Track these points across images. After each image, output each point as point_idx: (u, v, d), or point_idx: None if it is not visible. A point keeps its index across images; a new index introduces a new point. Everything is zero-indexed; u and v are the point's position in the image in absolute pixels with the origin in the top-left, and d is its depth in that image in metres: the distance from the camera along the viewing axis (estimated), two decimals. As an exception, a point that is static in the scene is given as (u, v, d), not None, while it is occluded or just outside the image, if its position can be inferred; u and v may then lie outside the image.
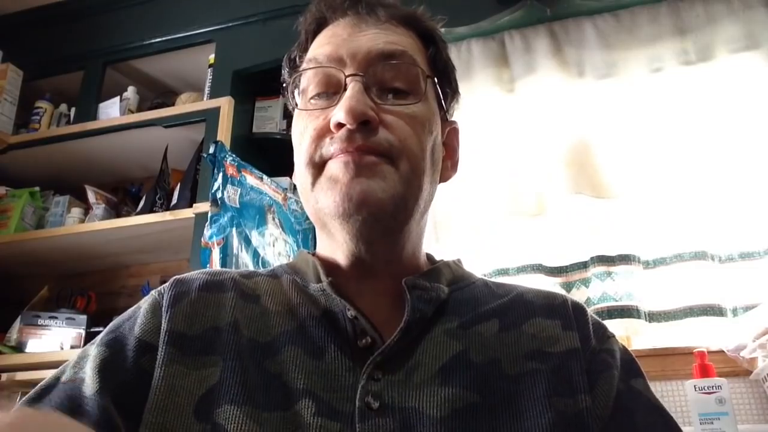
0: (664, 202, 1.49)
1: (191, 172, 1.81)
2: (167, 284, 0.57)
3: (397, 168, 0.53)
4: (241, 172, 1.60)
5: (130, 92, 2.04)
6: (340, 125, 0.53)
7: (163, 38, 2.03)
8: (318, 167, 0.54)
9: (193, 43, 2.01)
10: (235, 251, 1.49)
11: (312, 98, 0.58)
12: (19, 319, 1.75)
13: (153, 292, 0.57)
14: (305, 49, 0.61)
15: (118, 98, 2.01)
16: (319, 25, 0.62)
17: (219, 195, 1.52)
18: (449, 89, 0.64)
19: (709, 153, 1.46)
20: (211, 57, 1.95)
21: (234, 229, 1.51)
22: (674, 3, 1.62)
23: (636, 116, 1.54)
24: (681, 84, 1.54)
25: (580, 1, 1.66)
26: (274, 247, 1.62)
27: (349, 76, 0.55)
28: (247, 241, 1.54)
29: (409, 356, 0.51)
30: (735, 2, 1.56)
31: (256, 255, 1.54)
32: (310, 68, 0.58)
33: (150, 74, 2.15)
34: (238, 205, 1.55)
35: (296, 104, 0.59)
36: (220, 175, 1.55)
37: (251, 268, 1.50)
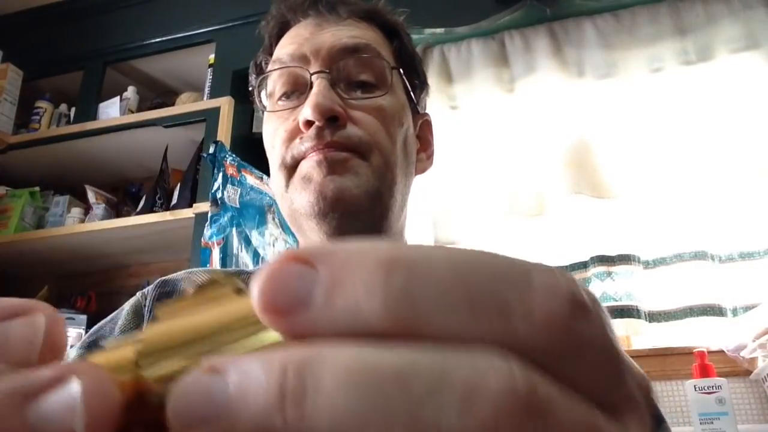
0: (664, 202, 1.49)
1: (191, 172, 1.81)
2: (151, 285, 0.57)
3: (369, 162, 0.53)
4: (241, 172, 1.60)
5: (130, 92, 2.04)
6: (308, 123, 0.53)
7: (163, 38, 2.03)
8: (290, 169, 0.54)
9: (193, 43, 2.01)
10: (235, 251, 1.49)
11: (279, 99, 0.58)
12: (19, 319, 1.75)
13: (137, 294, 0.57)
14: (270, 53, 0.62)
15: (118, 98, 2.01)
16: (282, 28, 0.62)
17: (219, 195, 1.52)
18: (417, 81, 0.64)
19: (709, 153, 1.46)
20: (211, 57, 1.95)
21: (234, 229, 1.51)
22: (674, 3, 1.62)
23: (636, 116, 1.54)
24: (681, 84, 1.54)
25: (580, 1, 1.66)
26: (275, 247, 1.62)
27: (314, 73, 0.55)
28: (247, 241, 1.54)
29: None
30: (735, 2, 1.56)
31: (256, 255, 1.54)
32: (275, 69, 0.58)
33: (150, 74, 2.15)
34: (238, 205, 1.55)
35: (264, 107, 0.60)
36: (220, 175, 1.55)
37: (251, 268, 1.50)
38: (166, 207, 1.79)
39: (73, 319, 1.75)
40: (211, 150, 1.57)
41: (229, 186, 1.54)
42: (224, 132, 1.75)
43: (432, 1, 1.77)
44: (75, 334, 1.72)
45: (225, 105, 1.79)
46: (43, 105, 2.08)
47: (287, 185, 0.55)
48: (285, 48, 0.58)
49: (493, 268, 0.13)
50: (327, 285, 0.13)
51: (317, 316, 0.12)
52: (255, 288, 0.13)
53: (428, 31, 1.73)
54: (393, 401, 0.11)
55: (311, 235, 0.55)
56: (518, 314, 0.12)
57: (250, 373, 0.12)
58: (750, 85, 1.49)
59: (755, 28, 1.53)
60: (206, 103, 1.85)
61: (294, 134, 0.54)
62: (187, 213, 1.69)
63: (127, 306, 0.55)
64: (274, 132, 0.57)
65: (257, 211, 1.61)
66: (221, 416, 0.12)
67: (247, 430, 0.11)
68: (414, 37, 1.74)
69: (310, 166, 0.52)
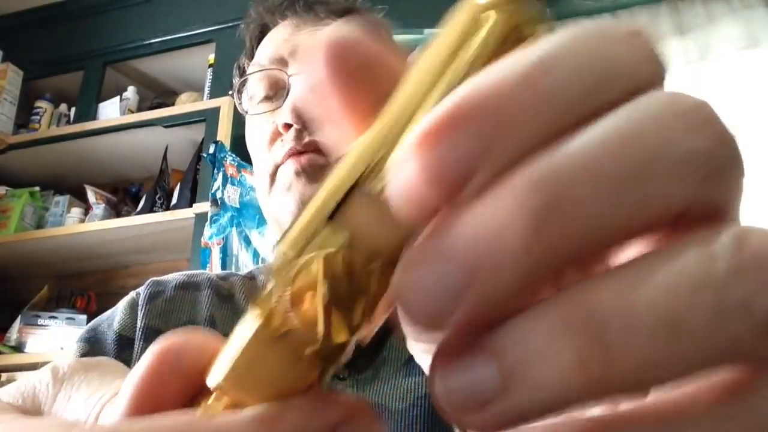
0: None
1: (191, 172, 1.81)
2: (144, 285, 0.57)
3: None
4: (241, 172, 1.60)
5: (130, 92, 2.04)
6: (287, 126, 0.53)
7: (163, 38, 2.03)
8: (271, 174, 0.54)
9: (193, 43, 2.01)
10: (235, 251, 1.49)
11: (260, 102, 0.58)
12: (19, 319, 1.75)
13: (131, 292, 0.58)
14: (252, 56, 0.62)
15: (118, 98, 2.01)
16: (262, 31, 0.62)
17: (219, 195, 1.52)
18: None
19: (709, 153, 1.46)
20: (211, 57, 1.95)
21: (234, 229, 1.51)
22: (674, 3, 1.62)
23: (636, 116, 1.54)
24: (681, 84, 1.54)
25: (580, 1, 1.67)
26: (274, 247, 1.62)
27: (292, 75, 0.55)
28: (247, 241, 1.54)
29: (376, 353, 0.51)
30: (735, 2, 1.56)
31: (256, 255, 1.54)
32: (253, 72, 0.58)
33: (150, 74, 2.15)
34: (238, 205, 1.55)
35: (245, 110, 0.60)
36: (220, 175, 1.55)
37: (251, 268, 1.50)
38: (166, 207, 1.79)
39: (73, 319, 1.75)
40: (211, 150, 1.57)
41: (229, 186, 1.55)
42: (224, 132, 1.75)
43: (432, 1, 1.77)
44: (75, 334, 1.72)
45: (225, 105, 1.79)
46: (43, 105, 2.08)
47: (269, 192, 0.55)
48: (263, 51, 0.58)
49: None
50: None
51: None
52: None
53: (428, 31, 1.73)
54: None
55: None
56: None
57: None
58: (750, 85, 1.49)
59: (755, 27, 1.53)
60: (206, 103, 1.85)
61: (274, 137, 0.54)
62: (187, 213, 1.69)
63: (123, 302, 0.56)
64: (255, 135, 0.57)
65: (257, 211, 1.61)
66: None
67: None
68: (414, 37, 1.75)
69: (288, 174, 0.52)
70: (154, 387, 0.13)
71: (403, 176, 0.12)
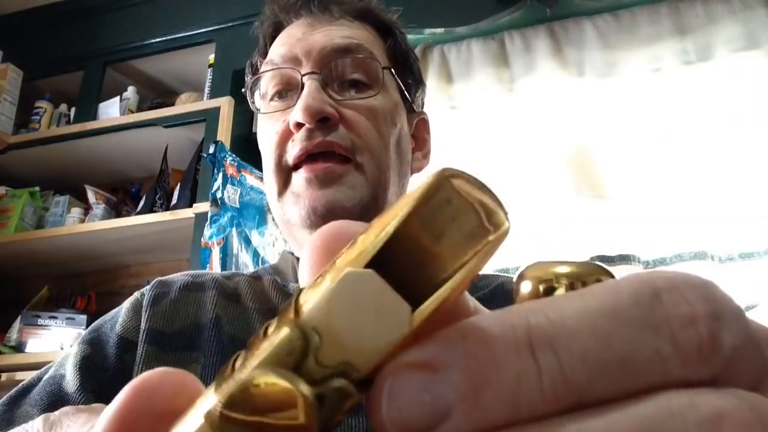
0: (664, 202, 1.49)
1: (191, 172, 1.81)
2: (149, 285, 0.57)
3: (362, 170, 0.53)
4: (241, 172, 1.60)
5: (130, 92, 2.04)
6: (299, 125, 0.52)
7: (163, 38, 2.03)
8: (283, 176, 0.54)
9: (193, 43, 2.01)
10: (235, 251, 1.49)
11: (271, 100, 0.58)
12: (19, 319, 1.75)
13: (135, 293, 0.57)
14: (265, 54, 0.61)
15: (118, 98, 2.01)
16: (276, 29, 0.62)
17: (219, 195, 1.52)
18: (412, 80, 0.63)
19: (709, 153, 1.46)
20: (211, 57, 1.95)
21: (234, 229, 1.51)
22: (674, 3, 1.62)
23: (636, 116, 1.54)
24: (681, 84, 1.54)
25: (580, 1, 1.66)
26: (275, 247, 1.62)
27: (305, 74, 0.54)
28: (247, 241, 1.54)
29: None
30: (735, 2, 1.56)
31: (256, 255, 1.54)
32: (267, 70, 0.58)
33: (150, 74, 2.15)
34: (238, 205, 1.55)
35: (258, 109, 0.59)
36: (220, 175, 1.55)
37: (251, 268, 1.50)
38: (166, 207, 1.79)
39: (73, 319, 1.75)
40: (211, 150, 1.57)
41: (229, 186, 1.55)
42: (224, 132, 1.75)
43: (432, 1, 1.77)
44: (75, 334, 1.72)
45: (225, 105, 1.79)
46: (43, 105, 2.08)
47: (279, 194, 0.55)
48: (277, 49, 0.58)
49: (624, 312, 0.12)
50: (466, 389, 0.11)
51: (463, 422, 0.11)
52: (376, 414, 0.12)
53: (428, 31, 1.73)
54: None
55: (304, 244, 0.55)
56: (668, 353, 0.12)
57: None
58: (750, 85, 1.49)
59: (755, 28, 1.53)
60: (206, 103, 1.85)
61: (285, 136, 0.54)
62: (187, 213, 1.69)
63: (127, 304, 0.56)
64: (266, 134, 0.57)
65: (257, 211, 1.61)
66: None
67: None
68: (414, 37, 1.75)
69: (300, 182, 0.52)
70: (125, 425, 0.13)
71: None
